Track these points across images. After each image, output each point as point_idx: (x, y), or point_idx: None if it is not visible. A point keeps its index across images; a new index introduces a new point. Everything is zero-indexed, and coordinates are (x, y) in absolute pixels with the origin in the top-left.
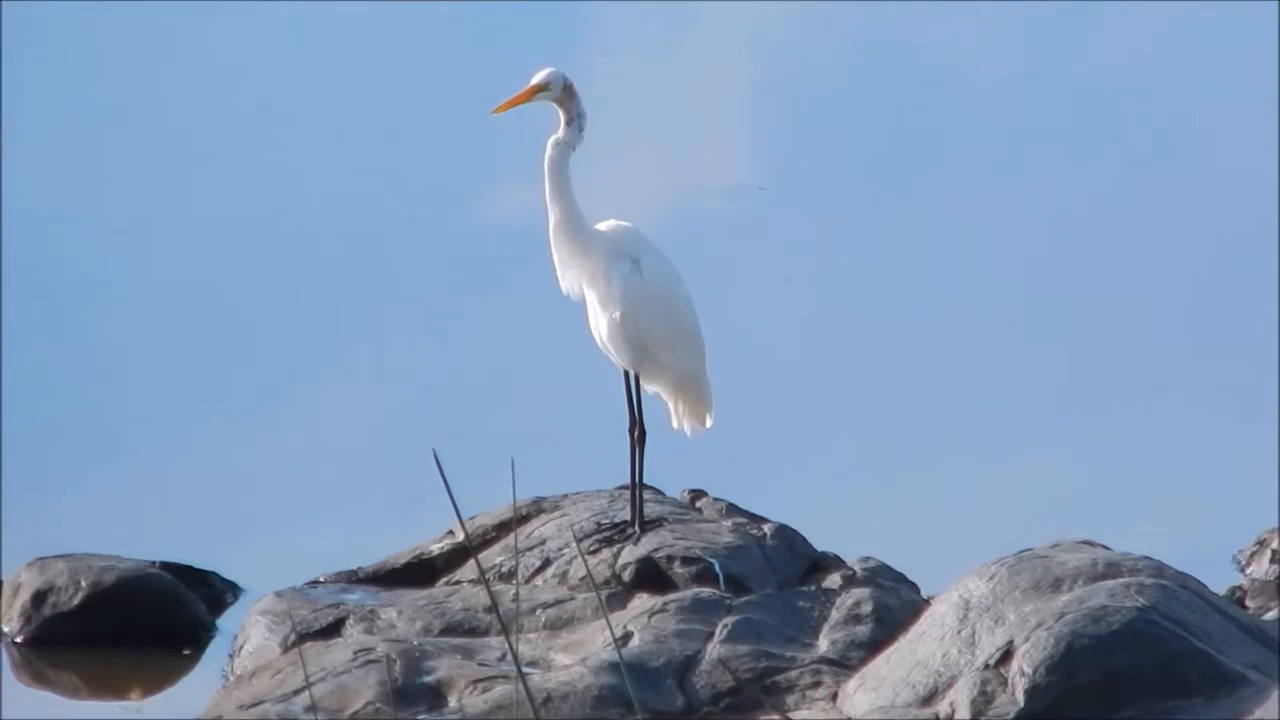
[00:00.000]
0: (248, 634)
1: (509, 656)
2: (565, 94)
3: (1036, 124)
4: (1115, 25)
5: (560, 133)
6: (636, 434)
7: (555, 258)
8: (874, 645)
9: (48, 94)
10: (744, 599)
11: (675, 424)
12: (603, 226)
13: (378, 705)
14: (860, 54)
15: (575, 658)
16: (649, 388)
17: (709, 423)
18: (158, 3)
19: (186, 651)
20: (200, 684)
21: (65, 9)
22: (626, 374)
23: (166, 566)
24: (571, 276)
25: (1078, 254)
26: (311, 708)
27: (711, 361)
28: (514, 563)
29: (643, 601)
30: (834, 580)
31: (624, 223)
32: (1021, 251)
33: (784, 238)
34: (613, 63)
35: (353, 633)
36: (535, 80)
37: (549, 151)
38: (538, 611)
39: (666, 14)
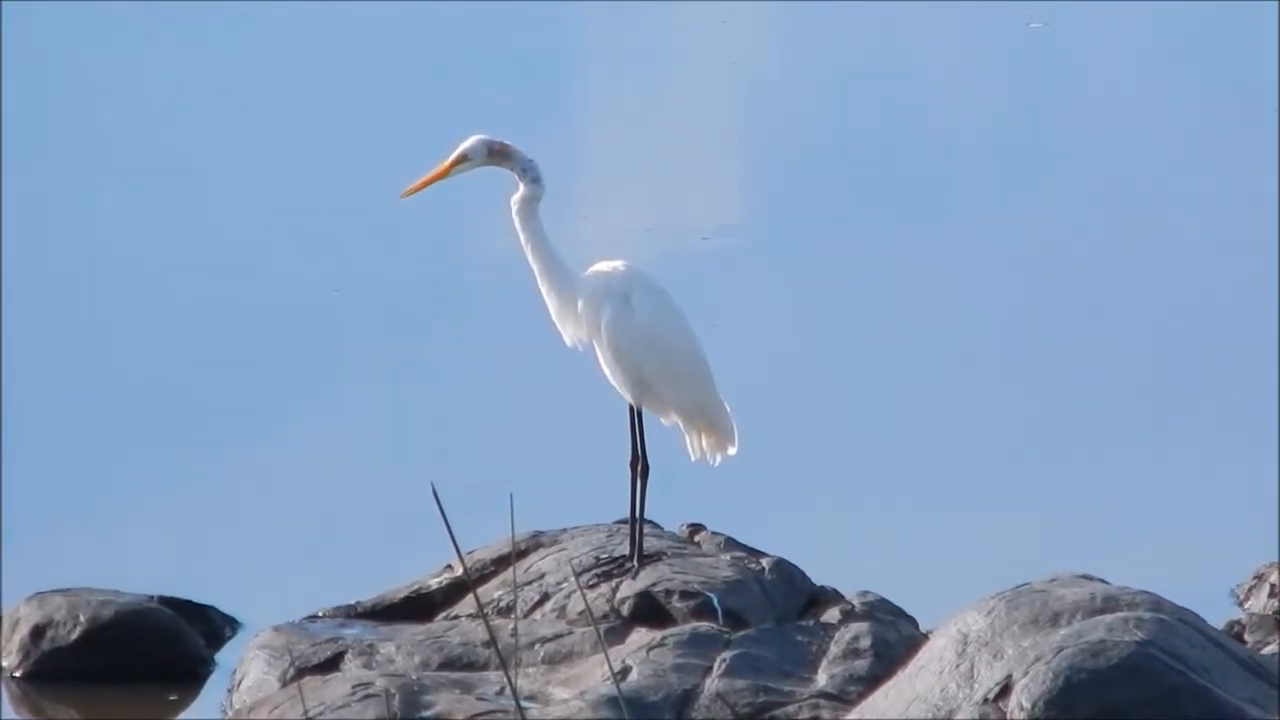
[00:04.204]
0: (246, 669)
1: (507, 691)
2: (498, 157)
3: (1029, 159)
4: (1105, 71)
5: (519, 190)
6: (639, 468)
7: (550, 312)
8: (872, 680)
9: (47, 94)
10: (742, 633)
11: (694, 455)
12: (597, 268)
13: None
14: (847, 92)
15: (574, 692)
16: (663, 421)
17: (732, 450)
18: (159, 3)
19: (173, 697)
20: (199, 719)
21: (65, 9)
22: (631, 407)
23: (165, 601)
24: (570, 328)
25: (1075, 289)
26: None
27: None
28: (512, 597)
29: (641, 636)
30: (832, 615)
31: (617, 262)
32: (1018, 287)
33: (776, 276)
34: (597, 103)
35: (351, 667)
36: (456, 152)
37: (513, 210)
38: (536, 646)
39: (650, 52)
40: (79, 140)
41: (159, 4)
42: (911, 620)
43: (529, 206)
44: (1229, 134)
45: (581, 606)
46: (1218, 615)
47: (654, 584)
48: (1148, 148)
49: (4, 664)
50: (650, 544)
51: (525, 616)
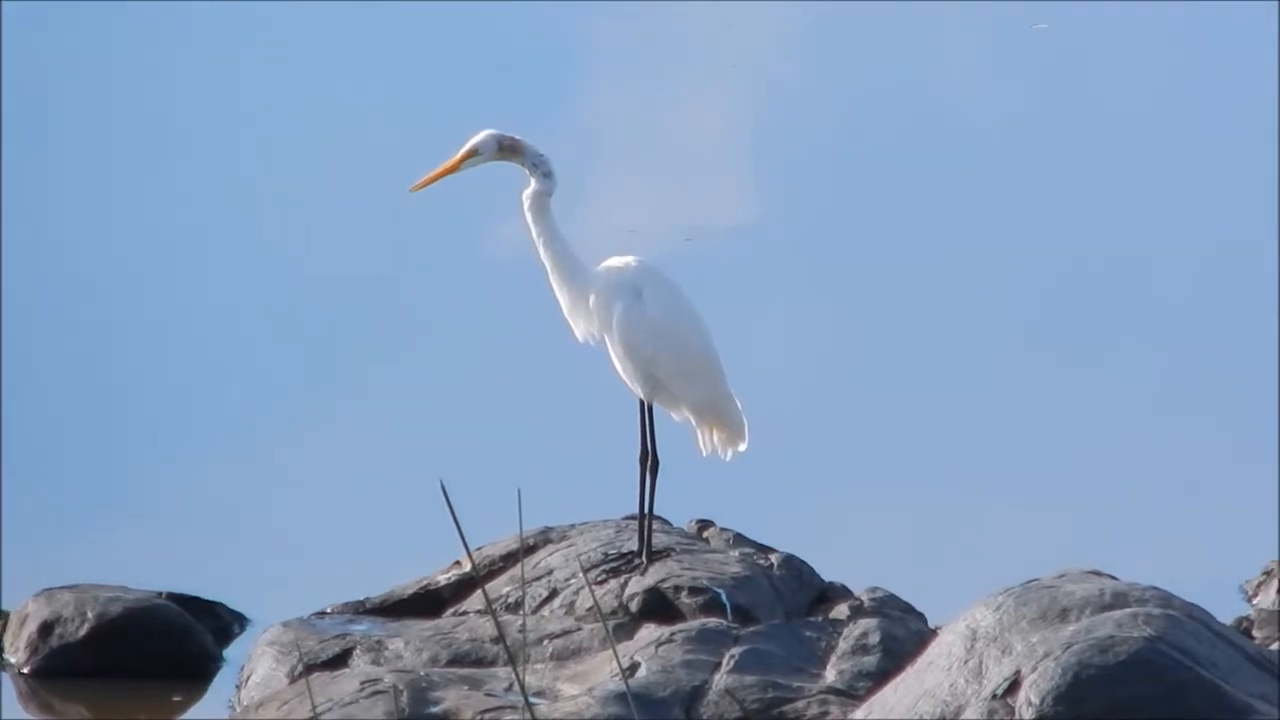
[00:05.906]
0: (255, 665)
1: (516, 687)
2: (509, 151)
3: (1040, 157)
4: (1112, 72)
5: (531, 185)
6: (649, 463)
7: (561, 307)
8: (881, 675)
9: (48, 94)
10: (751, 629)
11: (703, 450)
12: (609, 263)
13: None
14: (854, 93)
15: (582, 688)
16: (674, 416)
17: (743, 446)
18: (161, 4)
19: (178, 697)
20: (207, 715)
21: (65, 9)
22: (641, 403)
23: (173, 597)
24: (581, 324)
25: (1085, 286)
26: None
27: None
28: (521, 593)
29: (650, 632)
30: (841, 610)
31: (629, 257)
32: (1029, 284)
33: (787, 273)
34: (606, 101)
35: (360, 663)
36: (466, 146)
37: (525, 205)
38: (545, 642)
39: (660, 51)
40: (80, 140)
41: (162, 3)
42: (920, 616)
43: (540, 201)
44: (1230, 133)
45: (590, 603)
46: (1227, 611)
47: (663, 580)
48: (1154, 148)
49: (12, 660)
50: (659, 540)
51: (534, 613)
